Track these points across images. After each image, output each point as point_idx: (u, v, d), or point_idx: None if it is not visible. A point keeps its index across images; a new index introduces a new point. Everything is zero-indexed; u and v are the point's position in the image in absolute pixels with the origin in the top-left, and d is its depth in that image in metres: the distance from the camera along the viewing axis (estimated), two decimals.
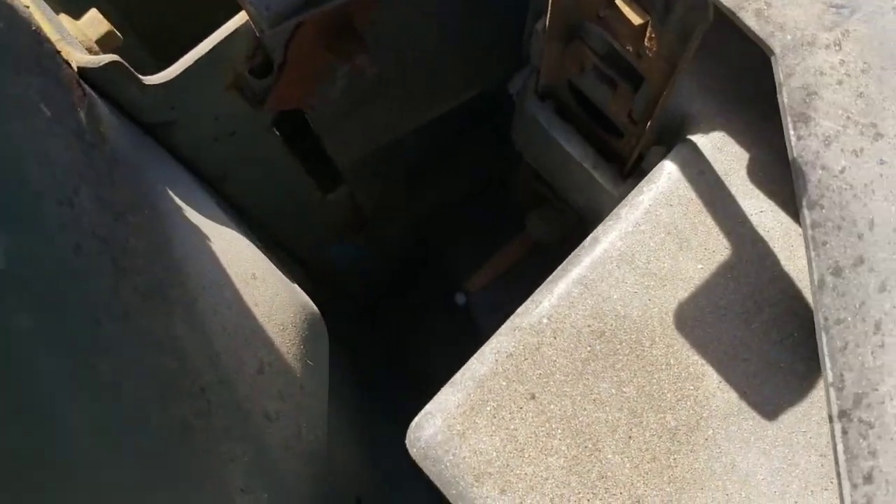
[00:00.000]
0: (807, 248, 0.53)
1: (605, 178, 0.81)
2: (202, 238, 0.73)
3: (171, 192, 0.71)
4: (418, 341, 1.77)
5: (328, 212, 1.26)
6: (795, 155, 0.53)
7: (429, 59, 0.98)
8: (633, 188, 0.78)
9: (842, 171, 0.53)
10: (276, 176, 1.01)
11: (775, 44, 0.54)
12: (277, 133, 0.95)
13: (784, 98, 0.54)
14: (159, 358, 0.55)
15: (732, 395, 0.62)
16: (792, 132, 0.53)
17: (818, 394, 0.62)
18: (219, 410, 0.62)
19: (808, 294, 0.63)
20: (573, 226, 1.07)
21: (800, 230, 0.63)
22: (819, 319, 0.52)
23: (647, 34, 0.60)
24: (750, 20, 0.54)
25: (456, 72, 1.02)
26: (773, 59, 0.55)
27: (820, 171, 0.53)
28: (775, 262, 0.64)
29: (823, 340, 0.52)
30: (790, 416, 0.62)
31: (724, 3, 0.55)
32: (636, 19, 0.61)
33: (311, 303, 0.86)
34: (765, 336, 0.63)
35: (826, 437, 0.61)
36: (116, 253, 0.52)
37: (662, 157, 0.70)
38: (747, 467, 0.61)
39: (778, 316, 0.63)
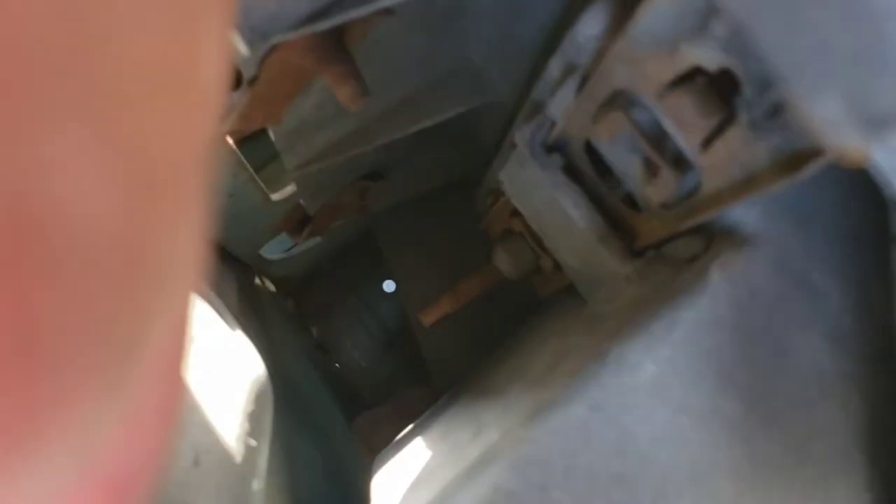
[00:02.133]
0: None
1: (611, 253, 0.70)
2: None
3: None
4: (342, 337, 1.67)
5: (271, 210, 1.13)
6: None
7: (416, 76, 0.85)
8: (643, 268, 0.68)
9: None
10: (221, 182, 0.88)
11: None
12: (231, 142, 0.82)
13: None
14: None
15: None
16: None
17: None
18: None
19: (859, 450, 0.54)
20: (546, 269, 0.96)
21: (855, 374, 0.54)
22: None
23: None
24: (878, 154, 0.44)
25: (442, 91, 0.89)
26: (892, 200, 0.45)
27: None
28: (826, 410, 0.54)
29: None
30: None
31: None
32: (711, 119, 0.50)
33: (258, 362, 0.73)
34: (804, 498, 0.54)
35: None
36: None
37: (697, 250, 0.60)
38: None
39: (822, 475, 0.54)
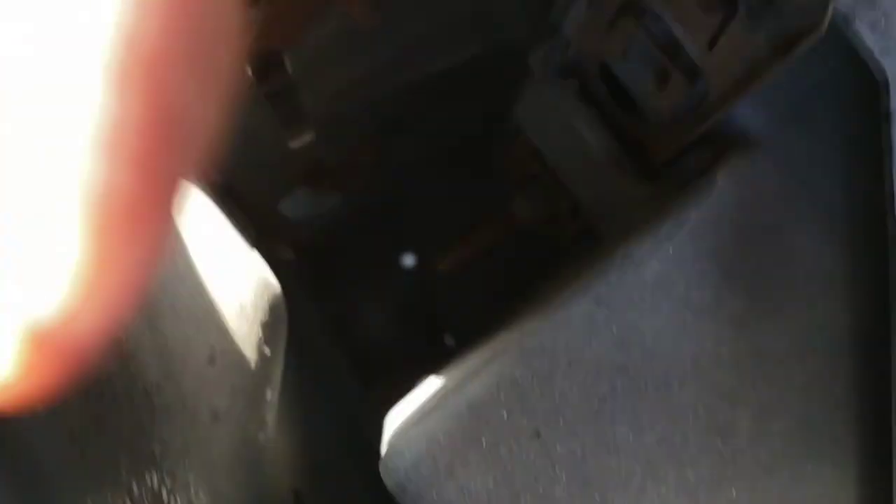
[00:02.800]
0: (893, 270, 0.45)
1: (626, 176, 0.71)
2: None
3: None
4: (361, 310, 1.68)
5: (287, 160, 1.14)
6: None
7: (430, 17, 0.87)
8: (657, 191, 0.69)
9: None
10: (241, 117, 0.89)
11: (892, 65, 0.45)
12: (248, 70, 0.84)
13: (893, 131, 0.45)
14: None
15: (762, 454, 0.54)
16: None
17: (854, 461, 0.54)
18: (162, 415, 0.52)
19: (859, 347, 0.55)
20: (564, 212, 0.98)
21: (857, 274, 0.55)
22: None
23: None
24: (864, 31, 0.45)
25: (460, 26, 0.91)
26: (886, 82, 0.46)
27: None
28: (828, 307, 0.55)
29: None
30: (821, 484, 0.54)
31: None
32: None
33: (272, 278, 0.75)
34: (805, 391, 0.55)
35: None
36: None
37: (708, 164, 0.61)
38: None
39: (822, 370, 0.55)
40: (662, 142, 0.68)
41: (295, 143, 1.13)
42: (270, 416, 0.71)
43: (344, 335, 1.64)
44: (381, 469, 0.55)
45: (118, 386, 0.47)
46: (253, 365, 0.65)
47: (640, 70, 0.63)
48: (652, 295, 0.55)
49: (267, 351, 0.68)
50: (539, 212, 1.02)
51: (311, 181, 1.24)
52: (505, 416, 0.54)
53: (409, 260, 1.74)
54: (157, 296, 0.57)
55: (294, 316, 1.25)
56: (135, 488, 0.47)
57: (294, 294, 1.40)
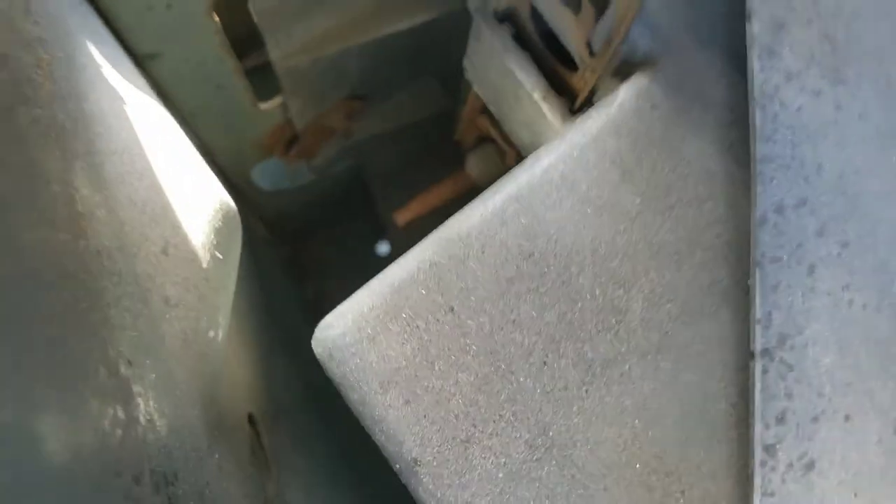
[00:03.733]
0: (753, 182, 0.52)
1: (553, 112, 0.79)
2: (119, 102, 0.68)
3: (93, 48, 0.66)
4: (331, 284, 1.72)
5: (258, 123, 1.21)
6: (756, 85, 0.51)
7: None
8: None
9: (798, 110, 0.52)
10: (208, 67, 0.96)
11: None
12: (216, 19, 0.90)
13: (754, 27, 0.52)
14: (48, 190, 0.50)
15: (653, 335, 0.61)
16: (756, 62, 0.52)
17: (738, 343, 0.61)
18: (113, 277, 0.58)
19: (742, 242, 0.62)
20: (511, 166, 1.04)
21: (743, 178, 0.62)
22: (755, 255, 0.51)
23: None
24: None
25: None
26: None
27: (777, 106, 0.52)
28: (714, 206, 0.62)
29: (757, 277, 0.51)
30: (707, 363, 0.61)
31: None
32: None
33: (227, 196, 0.81)
34: (693, 280, 0.62)
35: (739, 388, 0.60)
36: (18, 76, 0.47)
37: (615, 90, 0.68)
38: (658, 409, 0.60)
39: (709, 261, 0.62)
40: (583, 82, 0.75)
41: (265, 106, 1.20)
42: (223, 318, 0.77)
43: (319, 318, 1.69)
44: (314, 341, 0.61)
45: (72, 244, 0.53)
46: (205, 263, 0.71)
47: (559, 6, 0.70)
48: (557, 191, 0.62)
49: (219, 255, 0.74)
50: (489, 170, 1.09)
51: (282, 147, 1.30)
52: (424, 293, 0.60)
53: (383, 248, 1.80)
54: (115, 186, 0.63)
55: (263, 275, 1.31)
56: (101, 371, 0.51)
57: (270, 271, 1.46)
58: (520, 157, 1.01)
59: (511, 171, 0.64)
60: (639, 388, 0.60)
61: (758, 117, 0.51)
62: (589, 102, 0.76)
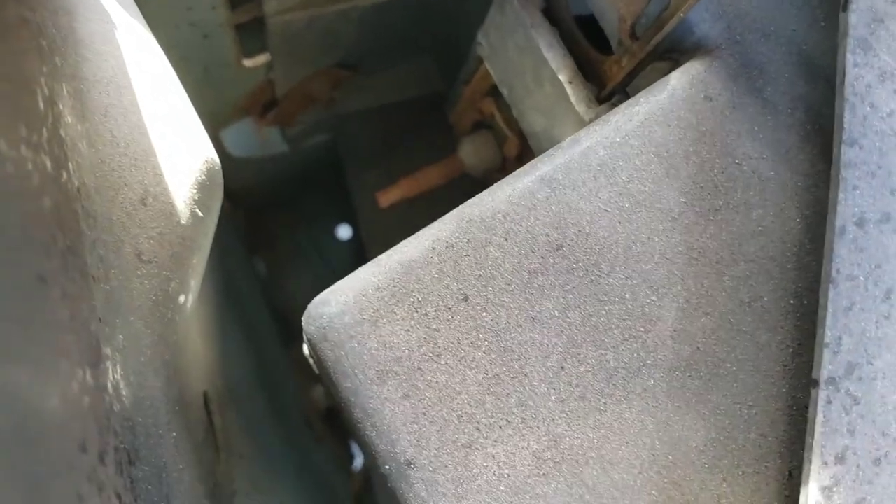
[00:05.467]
0: (833, 188, 0.46)
1: (578, 97, 0.72)
2: (111, 27, 0.60)
3: None
4: (284, 262, 1.64)
5: (238, 80, 1.13)
6: (848, 82, 0.46)
7: None
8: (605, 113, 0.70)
9: (890, 115, 0.46)
10: (197, 13, 0.88)
11: None
12: None
13: (850, 17, 0.47)
14: (33, 104, 0.42)
15: (684, 348, 0.55)
16: (850, 56, 0.46)
17: (773, 368, 0.55)
18: (89, 219, 0.50)
19: (787, 258, 0.56)
20: (509, 160, 0.98)
21: (796, 187, 0.57)
22: (830, 271, 0.45)
23: None
24: None
25: None
26: None
27: (868, 108, 0.46)
28: (763, 215, 0.56)
29: (829, 295, 0.45)
30: (740, 386, 0.55)
31: None
32: None
33: (212, 149, 0.73)
34: (734, 293, 0.56)
35: (771, 417, 0.54)
36: None
37: (662, 76, 0.62)
38: (681, 430, 0.54)
39: (752, 275, 0.56)
40: (618, 67, 0.69)
41: (249, 63, 1.12)
42: (194, 283, 0.69)
43: (270, 295, 1.61)
44: (305, 317, 0.54)
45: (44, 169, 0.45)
46: (183, 220, 0.63)
47: None
48: (595, 179, 0.56)
49: (199, 212, 0.66)
50: (484, 160, 1.02)
51: (259, 110, 1.22)
52: (437, 277, 0.54)
53: (345, 231, 1.72)
54: (98, 118, 0.55)
55: (226, 261, 1.23)
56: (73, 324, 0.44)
57: (229, 244, 1.37)
58: (523, 147, 0.95)
59: (547, 151, 0.58)
60: (662, 406, 0.54)
61: (846, 118, 0.46)
62: (621, 91, 0.70)
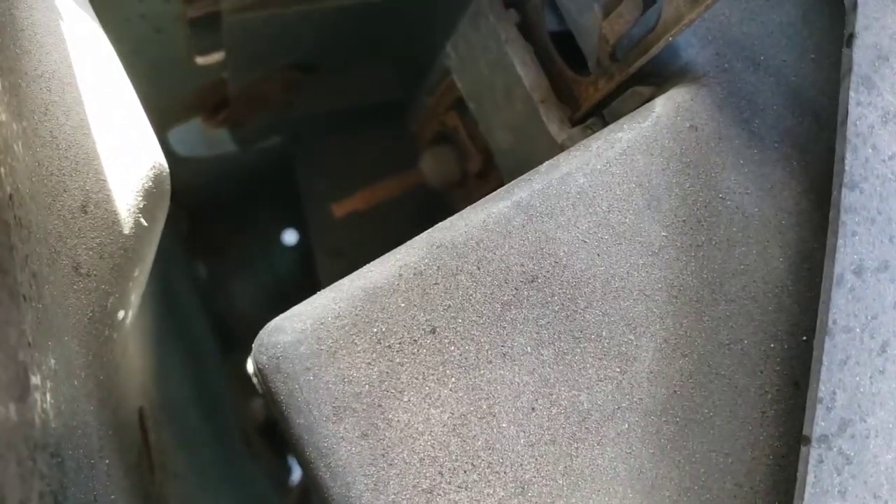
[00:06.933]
0: (832, 234, 0.43)
1: (550, 117, 0.69)
2: (56, 16, 0.54)
3: None
4: (231, 278, 1.59)
5: (189, 78, 1.07)
6: (850, 123, 0.43)
7: None
8: (578, 136, 0.67)
9: (891, 158, 0.44)
10: (150, 5, 0.83)
11: None
12: None
13: (854, 54, 0.44)
14: None
15: (661, 391, 0.52)
16: (853, 95, 0.43)
17: (751, 414, 0.53)
18: (22, 231, 0.45)
19: (768, 300, 0.54)
20: (470, 176, 0.94)
21: (779, 226, 0.54)
22: (826, 321, 0.42)
23: None
24: None
25: None
26: (853, 3, 0.44)
27: (869, 150, 0.44)
28: (745, 253, 0.54)
29: (825, 347, 0.42)
30: (716, 433, 0.52)
31: None
32: None
33: (160, 153, 0.68)
34: (713, 334, 0.53)
35: (747, 466, 0.52)
36: None
37: (643, 101, 0.59)
38: (655, 478, 0.51)
39: (732, 315, 0.53)
40: (593, 89, 0.66)
41: (202, 60, 1.06)
42: (135, 298, 0.64)
43: (209, 299, 1.55)
44: (256, 344, 0.49)
45: None
46: (126, 229, 0.58)
47: (585, 3, 0.61)
48: (573, 208, 0.53)
49: (143, 221, 0.61)
50: (445, 173, 0.99)
51: (209, 110, 1.17)
52: (403, 305, 0.50)
53: (291, 236, 1.67)
54: (38, 117, 0.50)
55: (166, 267, 1.17)
56: None
57: (170, 248, 1.31)
58: (486, 164, 0.91)
59: (524, 175, 0.54)
60: (636, 453, 0.51)
61: (847, 160, 0.43)
62: (598, 114, 0.67)
